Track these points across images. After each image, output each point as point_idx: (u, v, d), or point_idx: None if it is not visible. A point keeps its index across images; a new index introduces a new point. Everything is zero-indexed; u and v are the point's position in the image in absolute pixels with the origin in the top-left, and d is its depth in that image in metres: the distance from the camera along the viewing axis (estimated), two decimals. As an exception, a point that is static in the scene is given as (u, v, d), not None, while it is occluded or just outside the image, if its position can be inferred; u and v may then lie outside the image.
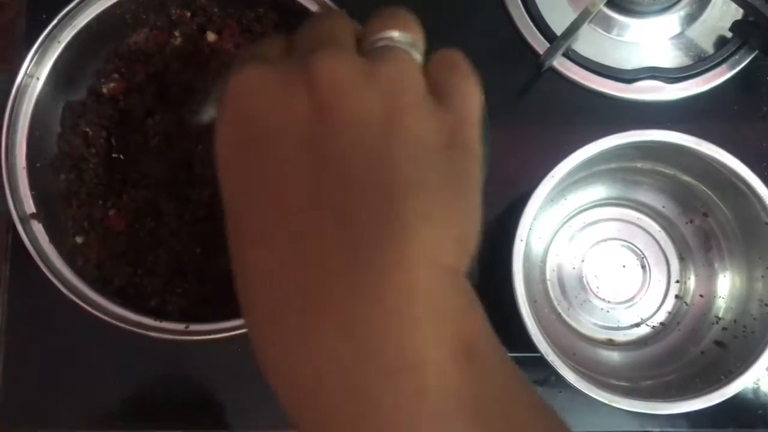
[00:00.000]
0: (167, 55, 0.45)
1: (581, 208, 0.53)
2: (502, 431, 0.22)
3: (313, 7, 0.44)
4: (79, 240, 0.44)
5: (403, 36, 0.26)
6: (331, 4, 0.43)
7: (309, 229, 0.22)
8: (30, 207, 0.41)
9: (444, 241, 0.23)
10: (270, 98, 0.23)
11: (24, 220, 0.41)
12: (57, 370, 0.50)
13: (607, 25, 0.56)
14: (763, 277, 0.47)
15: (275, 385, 0.22)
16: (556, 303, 0.52)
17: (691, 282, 0.52)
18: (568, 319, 0.52)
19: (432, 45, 0.58)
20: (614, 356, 0.51)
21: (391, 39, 0.25)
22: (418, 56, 0.26)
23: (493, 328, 0.25)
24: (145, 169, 0.44)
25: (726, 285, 0.50)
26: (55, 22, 0.42)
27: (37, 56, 0.42)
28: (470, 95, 0.26)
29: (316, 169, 0.22)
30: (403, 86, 0.24)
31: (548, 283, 0.52)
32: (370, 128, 0.23)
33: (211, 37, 0.47)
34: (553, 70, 0.54)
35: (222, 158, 0.24)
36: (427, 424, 0.21)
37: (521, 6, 0.55)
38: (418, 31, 0.27)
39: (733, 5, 0.53)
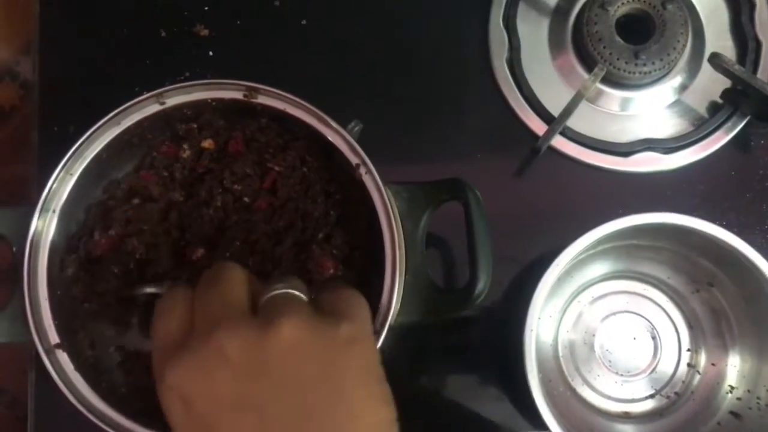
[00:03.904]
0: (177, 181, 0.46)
1: (588, 284, 0.54)
2: None
3: (309, 120, 0.45)
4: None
5: (284, 285, 0.35)
6: (321, 112, 0.45)
7: None
8: (54, 337, 0.43)
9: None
10: (200, 384, 0.31)
11: (49, 351, 0.42)
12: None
13: (602, 100, 0.56)
14: (772, 347, 0.48)
15: None
16: (570, 379, 0.53)
17: (702, 351, 0.53)
18: (582, 394, 0.53)
19: (427, 128, 0.58)
20: (631, 430, 0.52)
21: (278, 289, 0.34)
22: (299, 294, 0.35)
23: None
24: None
25: (737, 353, 0.51)
26: (67, 156, 0.44)
27: (52, 190, 0.44)
28: (351, 306, 0.36)
29: (260, 415, 0.31)
30: (291, 323, 0.32)
31: (561, 359, 0.53)
32: (294, 376, 0.31)
33: (206, 143, 0.48)
34: (550, 148, 0.55)
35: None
36: None
37: (514, 86, 0.57)
38: (294, 278, 0.36)
39: (722, 72, 0.54)
